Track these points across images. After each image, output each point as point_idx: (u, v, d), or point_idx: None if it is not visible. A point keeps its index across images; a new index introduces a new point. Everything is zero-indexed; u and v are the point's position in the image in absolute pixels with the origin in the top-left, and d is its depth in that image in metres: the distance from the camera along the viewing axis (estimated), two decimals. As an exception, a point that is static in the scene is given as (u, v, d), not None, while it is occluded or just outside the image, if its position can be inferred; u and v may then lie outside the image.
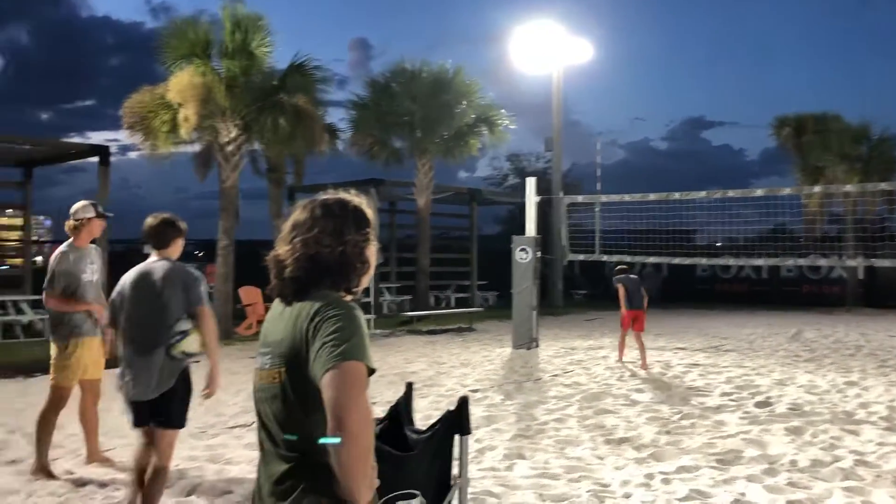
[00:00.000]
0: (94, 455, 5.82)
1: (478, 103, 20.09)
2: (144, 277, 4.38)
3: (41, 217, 27.13)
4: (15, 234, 18.04)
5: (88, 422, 5.82)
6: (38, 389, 9.10)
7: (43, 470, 5.47)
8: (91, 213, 5.57)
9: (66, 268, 5.45)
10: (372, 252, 2.05)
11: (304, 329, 1.85)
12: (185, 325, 4.28)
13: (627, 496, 5.07)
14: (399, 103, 19.53)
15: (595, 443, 6.55)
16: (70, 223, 5.58)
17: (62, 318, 5.51)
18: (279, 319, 1.98)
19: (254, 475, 5.61)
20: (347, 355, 1.77)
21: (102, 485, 5.27)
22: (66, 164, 18.53)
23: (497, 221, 38.20)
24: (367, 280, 2.06)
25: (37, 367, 10.08)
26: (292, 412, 1.88)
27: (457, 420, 2.51)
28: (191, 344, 4.27)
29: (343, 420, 1.70)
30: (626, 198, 14.62)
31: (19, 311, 14.54)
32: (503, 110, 20.49)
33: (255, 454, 6.33)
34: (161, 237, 4.47)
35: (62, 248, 5.57)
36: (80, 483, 5.33)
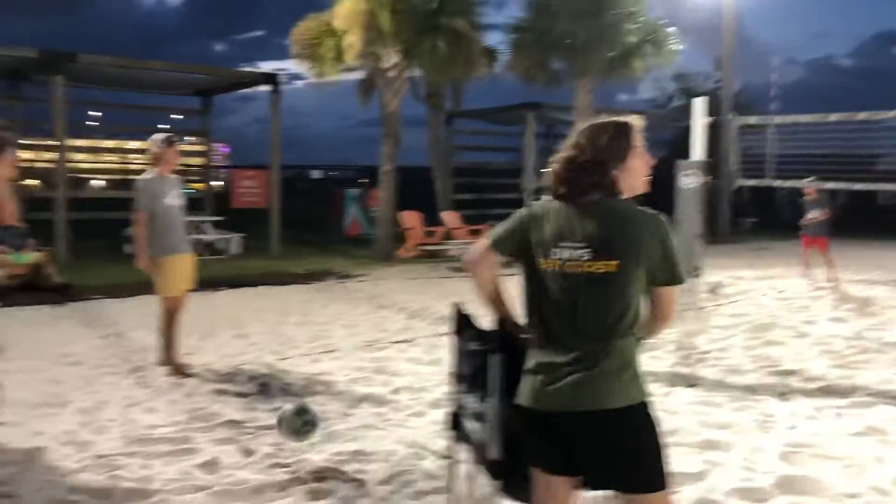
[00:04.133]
0: (169, 359, 6.18)
1: (643, 21, 19.15)
2: None
3: (218, 144, 28.82)
4: (197, 160, 19.31)
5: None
6: (216, 302, 9.94)
7: (169, 363, 6.11)
8: (162, 145, 6.02)
9: (149, 192, 5.93)
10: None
11: (641, 235, 2.31)
12: None
13: (793, 427, 4.90)
14: (560, 24, 18.96)
15: (760, 373, 6.33)
16: (150, 154, 6.09)
17: (152, 238, 5.98)
18: (578, 217, 2.34)
19: (420, 385, 5.90)
20: (681, 276, 2.38)
21: (246, 385, 5.74)
22: (240, 93, 19.56)
23: (661, 146, 36.82)
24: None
25: (219, 282, 11.00)
26: (615, 298, 2.31)
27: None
28: None
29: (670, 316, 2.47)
30: (803, 119, 13.59)
31: (201, 232, 15.64)
32: (671, 29, 19.43)
33: (418, 367, 6.65)
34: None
35: (145, 174, 6.07)
36: (223, 382, 5.84)
